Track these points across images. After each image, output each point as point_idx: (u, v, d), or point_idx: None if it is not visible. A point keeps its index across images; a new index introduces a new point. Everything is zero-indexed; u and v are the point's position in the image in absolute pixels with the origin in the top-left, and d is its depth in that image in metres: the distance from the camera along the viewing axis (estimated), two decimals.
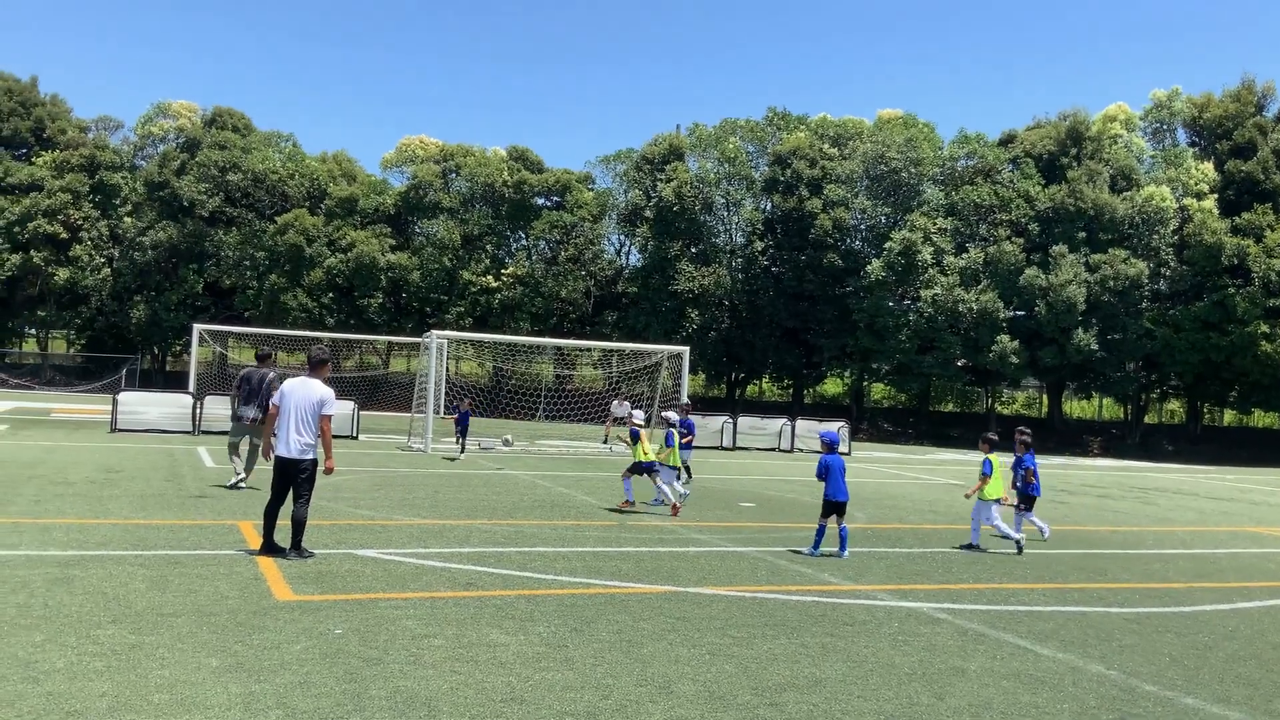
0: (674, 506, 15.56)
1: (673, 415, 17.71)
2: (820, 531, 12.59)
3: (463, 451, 24.81)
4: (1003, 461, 14.17)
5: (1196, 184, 49.62)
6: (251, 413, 16.27)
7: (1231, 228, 47.42)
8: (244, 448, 16.58)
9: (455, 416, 25.02)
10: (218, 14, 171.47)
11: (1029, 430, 16.97)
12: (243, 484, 16.06)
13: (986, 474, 13.71)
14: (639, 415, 17.39)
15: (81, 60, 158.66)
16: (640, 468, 15.81)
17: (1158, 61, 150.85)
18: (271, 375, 16.46)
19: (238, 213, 57.81)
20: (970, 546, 13.76)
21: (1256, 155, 49.16)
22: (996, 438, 14.25)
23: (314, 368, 10.85)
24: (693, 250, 55.69)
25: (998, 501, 13.74)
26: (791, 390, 59.77)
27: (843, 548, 12.46)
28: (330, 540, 11.55)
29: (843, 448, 35.01)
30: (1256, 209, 47.81)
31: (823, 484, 12.55)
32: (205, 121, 61.50)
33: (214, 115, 61.62)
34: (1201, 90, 60.14)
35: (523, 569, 10.60)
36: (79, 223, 57.62)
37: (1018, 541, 13.67)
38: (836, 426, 35.93)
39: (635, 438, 16.15)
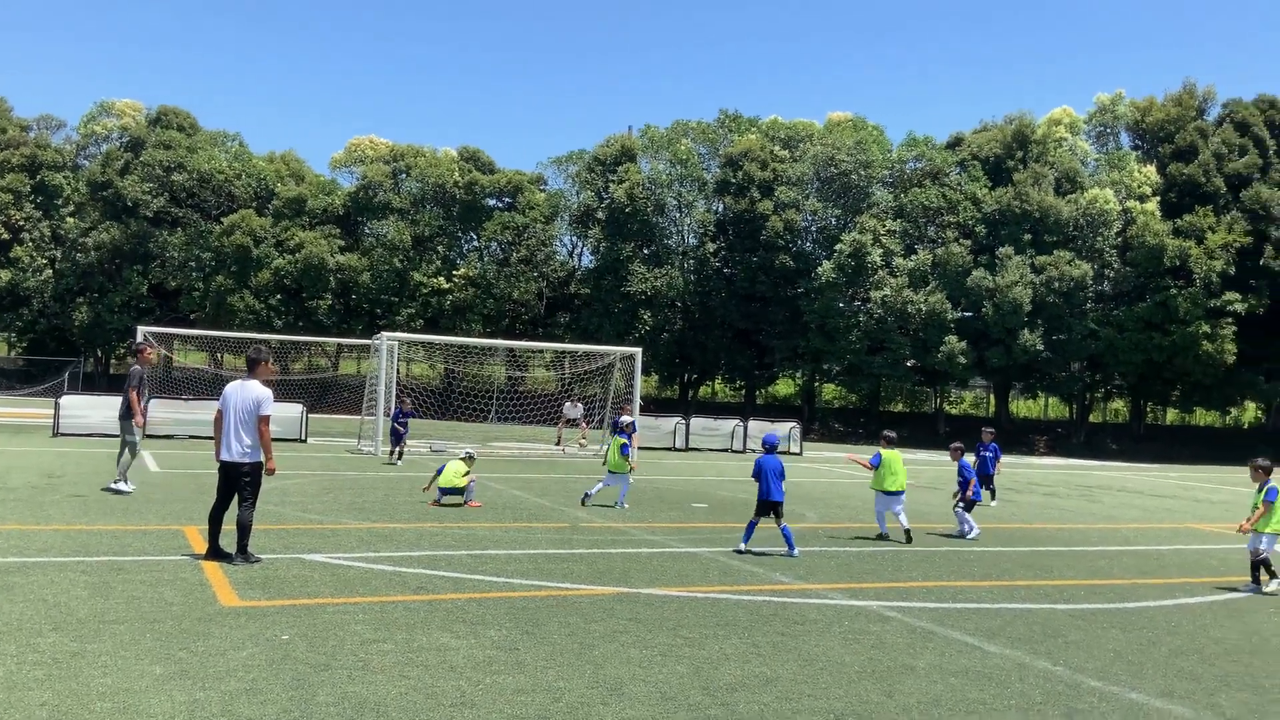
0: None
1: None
2: (750, 527, 12.90)
3: (397, 457, 23.64)
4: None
5: (1139, 186, 50.47)
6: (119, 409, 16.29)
7: (1173, 230, 48.28)
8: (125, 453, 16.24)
9: (394, 420, 23.93)
10: (163, 12, 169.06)
11: (991, 430, 18.39)
12: (118, 485, 15.64)
13: (873, 465, 14.73)
14: (625, 418, 18.29)
15: (23, 58, 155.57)
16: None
17: (1102, 66, 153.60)
18: (133, 368, 16.48)
19: (183, 213, 56.91)
20: (881, 536, 14.71)
21: (1197, 158, 50.06)
22: (894, 435, 15.47)
23: (251, 369, 10.72)
24: (645, 252, 55.71)
25: (887, 494, 14.62)
26: (744, 391, 60.03)
27: (790, 547, 12.58)
28: (277, 545, 11.40)
29: (794, 448, 35.55)
30: (1198, 211, 48.73)
31: (757, 484, 12.93)
32: (150, 120, 60.44)
33: (159, 114, 60.56)
34: (1144, 94, 61.37)
35: (474, 572, 10.54)
36: (20, 223, 56.46)
37: (881, 533, 14.75)
38: (788, 427, 36.25)
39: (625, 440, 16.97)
